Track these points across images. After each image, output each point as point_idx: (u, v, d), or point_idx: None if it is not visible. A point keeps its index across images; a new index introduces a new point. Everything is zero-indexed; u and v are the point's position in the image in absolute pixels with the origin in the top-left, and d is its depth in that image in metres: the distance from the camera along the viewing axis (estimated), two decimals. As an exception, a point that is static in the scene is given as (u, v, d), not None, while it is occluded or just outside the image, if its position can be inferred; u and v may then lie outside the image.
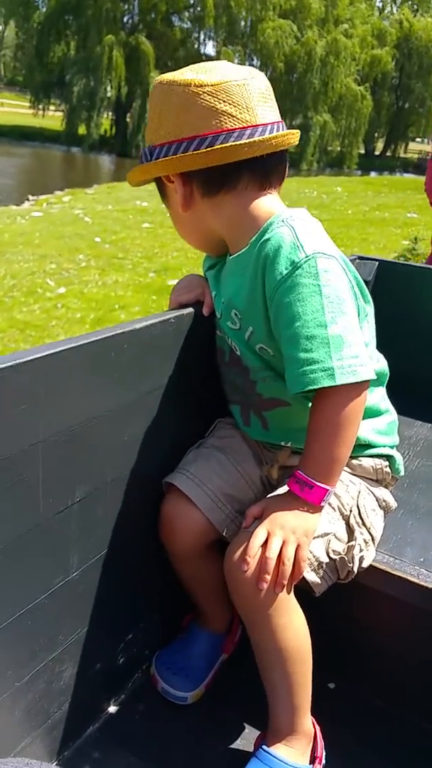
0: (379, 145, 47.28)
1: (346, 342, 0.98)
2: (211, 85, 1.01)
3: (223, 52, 31.05)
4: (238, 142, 1.02)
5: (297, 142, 1.09)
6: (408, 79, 42.90)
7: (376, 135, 46.68)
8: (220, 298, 1.19)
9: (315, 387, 0.98)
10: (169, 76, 1.06)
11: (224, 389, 1.26)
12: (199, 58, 30.84)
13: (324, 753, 1.11)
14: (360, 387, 1.00)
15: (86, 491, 1.01)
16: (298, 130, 1.09)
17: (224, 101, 1.02)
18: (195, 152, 1.02)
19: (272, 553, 0.99)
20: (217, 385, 1.27)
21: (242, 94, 1.03)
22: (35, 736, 1.05)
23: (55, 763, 1.12)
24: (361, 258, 2.01)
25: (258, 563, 0.99)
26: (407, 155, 49.75)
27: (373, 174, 31.21)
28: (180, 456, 1.24)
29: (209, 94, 1.01)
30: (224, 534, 1.17)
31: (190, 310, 1.19)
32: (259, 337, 1.11)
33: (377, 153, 46.96)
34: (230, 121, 1.02)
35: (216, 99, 1.01)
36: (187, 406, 1.24)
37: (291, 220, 1.05)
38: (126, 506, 1.13)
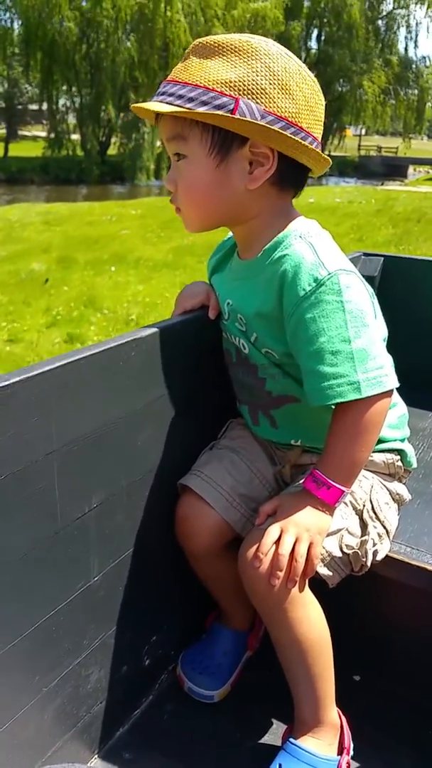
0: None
1: (371, 354, 1.01)
2: (318, 90, 1.06)
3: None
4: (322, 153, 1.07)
5: None
6: (330, 46, 28.72)
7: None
8: (225, 300, 1.21)
9: (342, 400, 1.01)
10: (284, 50, 1.03)
11: (234, 389, 1.28)
12: None
13: (352, 744, 1.12)
14: (384, 395, 1.03)
15: (102, 498, 1.04)
16: None
17: (321, 111, 1.07)
18: (310, 145, 1.03)
19: (285, 550, 1.01)
20: (228, 386, 1.29)
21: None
22: (66, 740, 1.08)
23: (88, 765, 1.14)
24: (366, 254, 2.03)
25: (271, 560, 1.01)
26: (354, 152, 35.88)
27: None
28: (194, 458, 1.26)
29: (318, 95, 1.06)
30: (241, 533, 1.19)
31: (195, 315, 1.21)
32: (264, 342, 1.13)
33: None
34: (318, 130, 1.07)
35: (320, 106, 1.06)
36: (198, 409, 1.26)
37: (309, 236, 1.07)
38: (142, 510, 1.15)
